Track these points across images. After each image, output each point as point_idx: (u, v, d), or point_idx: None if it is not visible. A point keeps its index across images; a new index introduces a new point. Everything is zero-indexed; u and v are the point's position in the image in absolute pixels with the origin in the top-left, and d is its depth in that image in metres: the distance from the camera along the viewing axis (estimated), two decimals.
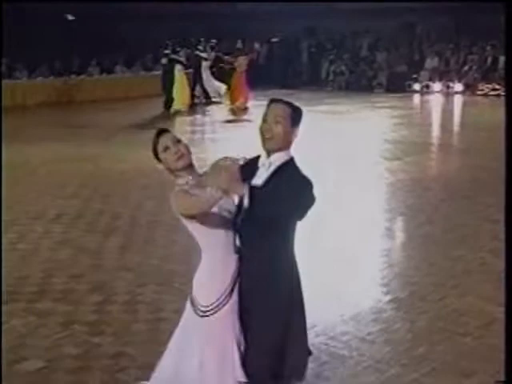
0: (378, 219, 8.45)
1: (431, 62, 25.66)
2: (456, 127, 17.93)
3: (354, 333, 5.15)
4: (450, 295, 5.87)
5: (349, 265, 6.62)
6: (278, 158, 3.27)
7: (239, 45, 26.10)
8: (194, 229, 3.37)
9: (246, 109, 19.85)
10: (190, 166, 3.43)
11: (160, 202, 9.02)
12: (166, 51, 20.08)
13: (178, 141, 3.45)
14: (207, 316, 3.32)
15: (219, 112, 19.88)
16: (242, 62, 20.08)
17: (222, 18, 27.50)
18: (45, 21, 22.49)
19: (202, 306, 3.33)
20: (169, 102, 19.31)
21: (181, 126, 17.02)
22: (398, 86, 24.34)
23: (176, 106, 19.16)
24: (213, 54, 22.02)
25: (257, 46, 27.53)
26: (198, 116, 19.31)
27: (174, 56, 19.64)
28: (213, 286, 3.34)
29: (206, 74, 21.42)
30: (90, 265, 6.78)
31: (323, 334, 5.09)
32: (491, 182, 10.07)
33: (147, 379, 3.84)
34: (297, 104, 3.40)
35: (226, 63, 21.57)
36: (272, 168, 3.27)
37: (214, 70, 22.03)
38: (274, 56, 28.46)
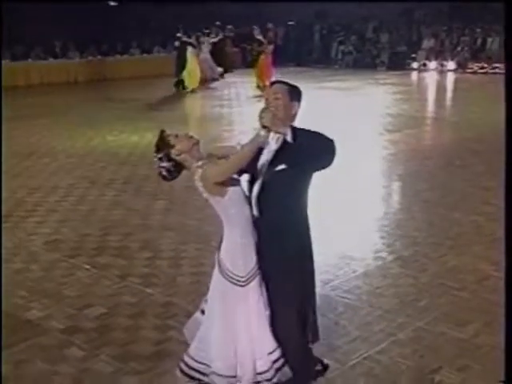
0: (382, 185, 8.43)
1: (428, 43, 25.21)
2: (449, 102, 17.70)
3: (366, 287, 5.15)
4: (448, 254, 5.83)
5: (358, 227, 6.60)
6: (286, 130, 3.15)
7: (269, 25, 25.25)
8: (222, 204, 3.23)
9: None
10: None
11: None
12: (178, 34, 18.68)
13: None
14: (248, 284, 3.26)
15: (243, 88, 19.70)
16: (269, 48, 19.53)
17: (244, 2, 27.06)
18: (91, 7, 22.22)
19: (242, 277, 3.24)
20: (179, 83, 18.37)
21: (212, 101, 16.97)
22: (398, 64, 23.97)
23: (189, 85, 18.25)
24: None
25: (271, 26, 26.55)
26: (225, 91, 19.14)
27: (185, 39, 18.51)
28: (247, 256, 3.26)
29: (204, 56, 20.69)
30: (139, 224, 6.84)
31: (339, 288, 5.10)
32: (482, 152, 10.02)
33: None
34: (293, 83, 3.35)
35: (255, 48, 20.71)
36: (289, 133, 3.15)
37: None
38: (289, 37, 28.10)
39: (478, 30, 24.53)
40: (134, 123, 13.10)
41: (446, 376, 3.88)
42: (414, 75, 22.94)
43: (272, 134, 3.09)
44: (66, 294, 5.13)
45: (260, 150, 3.19)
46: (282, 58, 24.55)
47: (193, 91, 18.22)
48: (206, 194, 3.25)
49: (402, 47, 25.24)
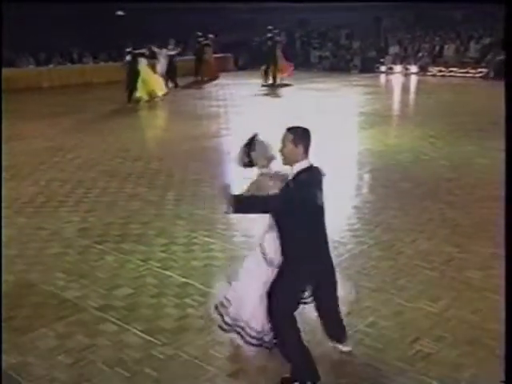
0: (361, 177, 8.49)
1: (393, 49, 25.22)
2: (413, 102, 17.73)
3: (353, 268, 5.18)
4: (419, 238, 5.90)
5: (341, 216, 6.57)
6: (296, 168, 3.43)
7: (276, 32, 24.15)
8: None
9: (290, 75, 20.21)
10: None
11: (202, 163, 9.11)
12: (128, 49, 15.96)
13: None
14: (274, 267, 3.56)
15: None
16: (279, 48, 20.10)
17: (236, 12, 27.01)
18: (105, 18, 22.07)
19: (277, 260, 3.54)
20: (131, 94, 15.76)
21: (209, 101, 16.89)
22: (369, 67, 23.95)
23: (142, 95, 15.87)
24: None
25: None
26: (220, 92, 19.06)
27: (137, 51, 15.90)
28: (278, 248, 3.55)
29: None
30: (155, 214, 6.87)
31: None
32: (443, 147, 10.12)
33: (209, 305, 4.02)
34: (298, 127, 3.47)
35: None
36: (294, 173, 3.44)
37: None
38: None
39: (437, 38, 24.59)
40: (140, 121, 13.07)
41: (425, 345, 3.99)
42: (383, 78, 22.91)
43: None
44: (99, 276, 5.18)
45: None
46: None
47: (149, 101, 16.05)
48: None
49: (372, 52, 25.20)
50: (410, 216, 6.61)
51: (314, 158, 3.49)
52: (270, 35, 20.04)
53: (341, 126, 12.39)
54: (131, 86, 15.68)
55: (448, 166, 8.81)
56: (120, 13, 24.90)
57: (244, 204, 3.35)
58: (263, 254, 3.60)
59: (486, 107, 14.05)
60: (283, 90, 18.70)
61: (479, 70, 21.64)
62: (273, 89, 19.09)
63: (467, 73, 21.80)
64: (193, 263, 5.44)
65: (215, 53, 24.27)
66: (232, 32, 27.42)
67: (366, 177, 8.52)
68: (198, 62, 21.45)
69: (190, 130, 11.91)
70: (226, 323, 3.75)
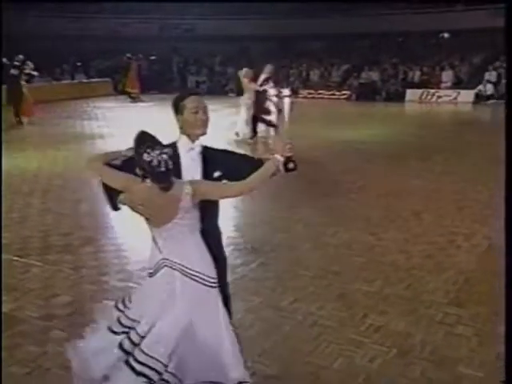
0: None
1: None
2: (293, 120, 18.36)
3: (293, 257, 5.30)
4: (339, 231, 6.10)
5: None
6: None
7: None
8: (195, 212, 2.67)
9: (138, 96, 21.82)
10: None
11: None
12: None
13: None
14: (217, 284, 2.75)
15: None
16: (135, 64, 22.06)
17: (113, 40, 26.62)
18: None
19: (212, 278, 2.71)
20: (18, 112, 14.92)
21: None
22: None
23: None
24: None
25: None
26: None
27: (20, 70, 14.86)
28: (210, 259, 2.78)
29: None
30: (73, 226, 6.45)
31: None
32: (321, 158, 10.62)
33: None
34: None
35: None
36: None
37: None
38: (152, 69, 27.73)
39: (304, 65, 25.90)
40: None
41: (374, 319, 4.12)
42: None
43: None
44: (30, 287, 4.72)
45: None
46: (147, 85, 24.36)
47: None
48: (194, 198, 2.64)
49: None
50: (323, 212, 6.82)
51: None
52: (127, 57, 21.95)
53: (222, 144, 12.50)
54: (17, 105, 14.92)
55: (340, 170, 9.25)
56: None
57: None
58: (197, 275, 2.69)
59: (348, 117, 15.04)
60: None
61: (343, 92, 23.12)
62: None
63: (333, 95, 23.20)
64: (128, 267, 5.15)
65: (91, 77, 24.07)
66: (108, 58, 27.03)
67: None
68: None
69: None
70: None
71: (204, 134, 2.87)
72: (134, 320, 2.74)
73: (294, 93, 23.94)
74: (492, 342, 3.79)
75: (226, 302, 2.86)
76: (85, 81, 24.67)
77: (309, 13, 25.12)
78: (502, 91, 21.16)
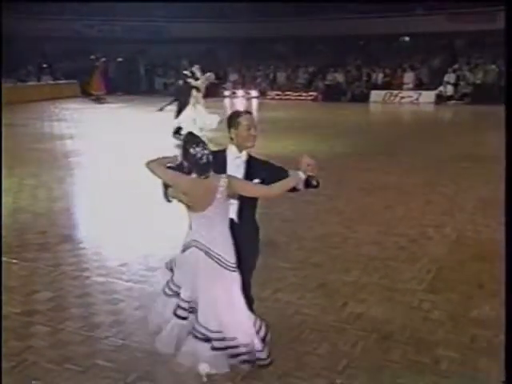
0: None
1: (232, 76, 26.25)
2: (260, 121, 18.49)
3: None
4: (314, 225, 6.21)
5: None
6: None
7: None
8: (227, 205, 3.09)
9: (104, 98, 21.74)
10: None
11: None
12: None
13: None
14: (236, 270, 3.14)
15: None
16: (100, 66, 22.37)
17: (78, 41, 26.30)
18: None
19: (231, 263, 3.10)
20: None
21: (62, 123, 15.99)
22: (214, 92, 24.48)
23: None
24: None
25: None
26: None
27: None
28: (232, 246, 3.16)
29: None
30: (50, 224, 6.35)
31: None
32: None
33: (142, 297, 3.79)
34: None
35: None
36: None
37: None
38: (119, 71, 27.44)
39: (272, 67, 26.05)
40: None
41: (354, 307, 4.21)
42: (227, 101, 23.60)
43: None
44: (10, 284, 4.63)
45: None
46: (113, 87, 24.15)
47: None
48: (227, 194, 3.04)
49: (214, 80, 25.81)
50: (298, 208, 6.87)
51: None
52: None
53: None
54: None
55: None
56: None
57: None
58: (219, 258, 3.10)
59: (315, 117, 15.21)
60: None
61: (310, 93, 23.36)
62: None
63: (300, 96, 23.42)
64: (108, 264, 5.12)
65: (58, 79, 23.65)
66: (74, 60, 26.60)
67: None
68: None
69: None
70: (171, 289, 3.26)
71: (253, 146, 3.27)
72: (178, 286, 3.20)
73: (262, 94, 24.18)
74: (466, 325, 3.93)
75: (247, 288, 3.29)
76: (51, 82, 24.28)
77: (274, 16, 25.33)
78: (461, 92, 21.77)
